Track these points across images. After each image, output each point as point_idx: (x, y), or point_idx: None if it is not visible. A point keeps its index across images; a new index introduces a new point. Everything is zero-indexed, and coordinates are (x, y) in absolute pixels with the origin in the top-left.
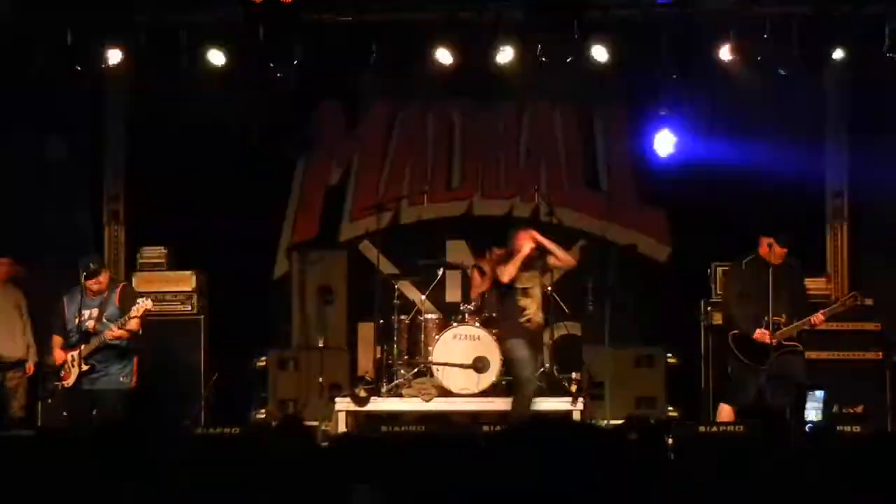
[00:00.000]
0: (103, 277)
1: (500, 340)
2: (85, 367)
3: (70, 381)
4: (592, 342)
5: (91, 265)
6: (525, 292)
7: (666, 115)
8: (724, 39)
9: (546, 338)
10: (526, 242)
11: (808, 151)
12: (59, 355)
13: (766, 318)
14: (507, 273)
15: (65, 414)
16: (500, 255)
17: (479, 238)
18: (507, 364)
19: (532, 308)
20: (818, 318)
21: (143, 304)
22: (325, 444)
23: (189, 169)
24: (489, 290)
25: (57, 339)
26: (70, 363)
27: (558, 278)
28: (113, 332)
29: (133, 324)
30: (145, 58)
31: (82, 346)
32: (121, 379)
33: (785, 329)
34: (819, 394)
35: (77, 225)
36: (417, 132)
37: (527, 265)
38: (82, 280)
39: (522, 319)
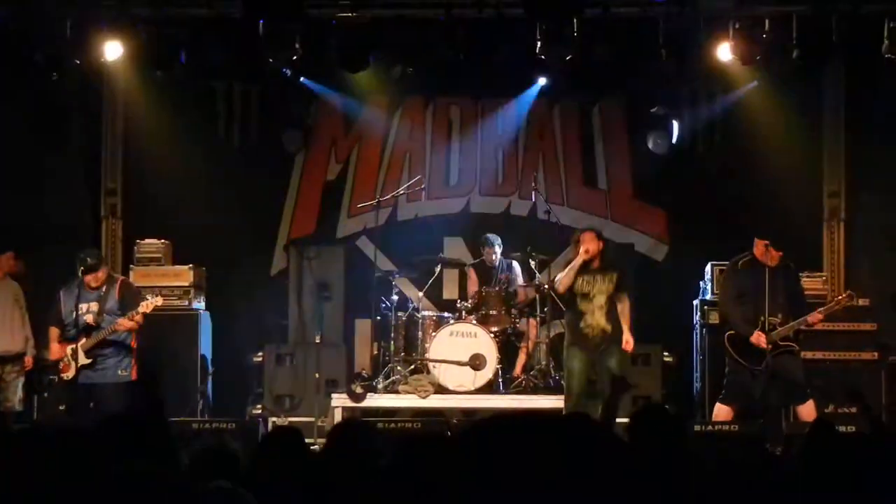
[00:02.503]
0: (101, 273)
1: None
2: (87, 361)
3: (69, 375)
4: None
5: (89, 260)
6: (585, 297)
7: (663, 114)
8: (722, 38)
9: (543, 335)
10: (583, 248)
11: (806, 151)
12: (56, 349)
13: (762, 319)
14: (562, 284)
15: (62, 408)
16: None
17: (476, 235)
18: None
19: (593, 315)
20: (813, 318)
21: (154, 301)
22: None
23: (187, 164)
24: (486, 288)
25: (54, 333)
26: (69, 356)
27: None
28: (120, 324)
29: (139, 318)
30: (144, 51)
31: (83, 340)
32: (119, 372)
33: (780, 329)
34: None
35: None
36: (416, 129)
37: (587, 269)
38: (80, 274)
39: (582, 325)
